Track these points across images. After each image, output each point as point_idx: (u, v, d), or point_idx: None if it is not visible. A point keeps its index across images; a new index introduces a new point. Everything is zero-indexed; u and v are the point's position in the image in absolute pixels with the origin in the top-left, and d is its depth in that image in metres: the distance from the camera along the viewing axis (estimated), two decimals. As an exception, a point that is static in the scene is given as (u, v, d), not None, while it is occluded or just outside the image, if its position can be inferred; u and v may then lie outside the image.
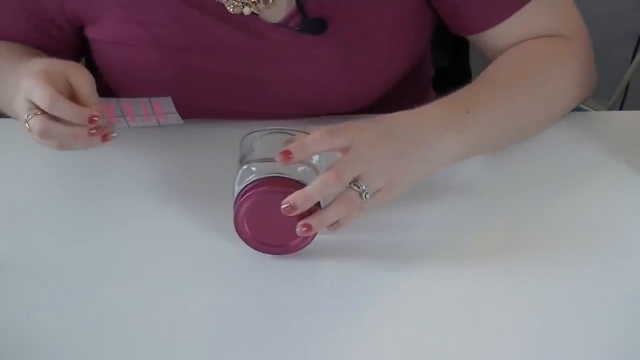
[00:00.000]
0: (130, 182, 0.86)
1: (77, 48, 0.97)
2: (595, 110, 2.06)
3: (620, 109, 1.99)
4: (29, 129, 0.76)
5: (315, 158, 0.76)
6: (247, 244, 0.75)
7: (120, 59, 0.91)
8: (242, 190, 0.73)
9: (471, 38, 0.95)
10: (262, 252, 0.75)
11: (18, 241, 0.79)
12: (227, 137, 0.81)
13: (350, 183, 0.73)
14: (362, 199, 0.73)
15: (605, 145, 0.91)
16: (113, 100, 0.82)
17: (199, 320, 0.71)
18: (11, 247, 0.78)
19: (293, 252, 0.75)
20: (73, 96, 0.77)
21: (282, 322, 0.71)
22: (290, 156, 0.71)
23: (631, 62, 1.93)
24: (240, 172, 0.74)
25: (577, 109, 0.95)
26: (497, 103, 0.85)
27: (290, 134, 0.77)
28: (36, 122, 0.75)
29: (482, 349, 0.69)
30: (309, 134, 0.77)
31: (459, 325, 0.71)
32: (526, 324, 0.71)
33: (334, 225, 0.74)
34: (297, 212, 0.71)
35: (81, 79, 0.78)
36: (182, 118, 0.85)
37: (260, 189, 0.72)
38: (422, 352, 0.69)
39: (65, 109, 0.74)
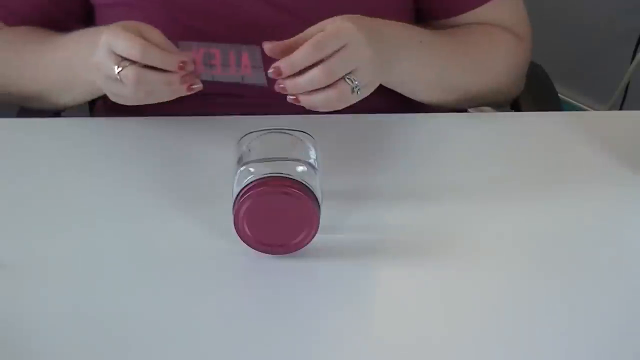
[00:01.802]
0: (130, 182, 0.86)
1: (84, 23, 0.97)
2: (595, 110, 2.07)
3: (620, 109, 1.99)
4: (121, 80, 0.77)
5: (313, 156, 0.76)
6: (247, 244, 0.75)
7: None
8: (241, 190, 0.73)
9: (440, 23, 1.00)
10: (262, 252, 0.75)
11: (18, 241, 0.79)
12: (227, 136, 0.81)
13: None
14: (354, 94, 0.77)
15: (605, 145, 0.91)
16: (203, 45, 0.81)
17: (199, 320, 0.71)
18: (11, 247, 0.78)
19: (293, 252, 0.75)
20: None
21: (282, 322, 0.71)
22: (279, 73, 0.75)
23: (631, 62, 1.93)
24: (238, 172, 0.74)
25: (577, 109, 0.96)
26: (446, 50, 0.94)
27: (288, 134, 0.77)
28: (130, 72, 0.76)
29: (482, 349, 0.69)
30: (308, 134, 0.78)
31: (459, 325, 0.71)
32: (526, 324, 0.71)
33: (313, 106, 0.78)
34: (280, 75, 0.75)
35: (156, 34, 0.79)
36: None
37: (259, 189, 0.72)
38: (423, 352, 0.69)
39: (157, 55, 0.76)
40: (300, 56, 0.75)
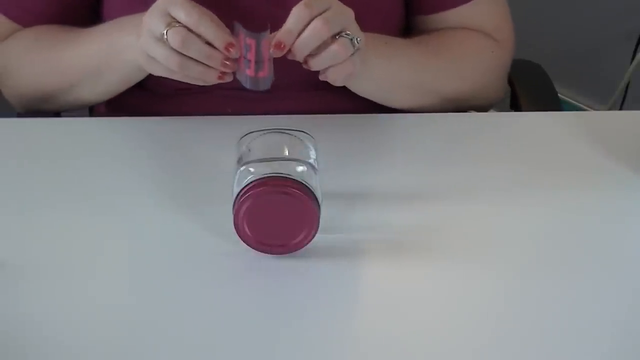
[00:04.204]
0: (130, 182, 0.85)
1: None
2: (595, 110, 2.07)
3: (620, 109, 1.99)
4: (167, 40, 0.78)
5: (313, 156, 0.76)
6: (247, 244, 0.75)
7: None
8: (241, 190, 0.73)
9: (422, 19, 1.01)
10: (262, 252, 0.75)
11: (18, 241, 0.79)
12: (227, 136, 0.81)
13: (336, 35, 0.79)
14: (355, 45, 0.79)
15: (605, 145, 0.91)
16: (242, 31, 0.80)
17: (198, 320, 0.71)
18: (11, 247, 0.78)
19: (293, 252, 0.75)
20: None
21: (282, 322, 0.71)
22: (282, 46, 0.77)
23: (631, 62, 1.93)
24: (238, 172, 0.74)
25: (577, 109, 0.96)
26: (416, 52, 0.95)
27: (288, 134, 0.77)
28: (178, 32, 0.77)
29: (483, 348, 0.69)
30: (308, 134, 0.78)
31: (459, 325, 0.71)
32: (527, 324, 0.71)
33: (324, 74, 0.81)
34: (285, 47, 0.78)
35: (210, 12, 0.79)
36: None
37: (259, 189, 0.72)
38: (423, 352, 0.69)
39: (211, 26, 0.77)
40: (293, 20, 0.78)
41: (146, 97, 0.97)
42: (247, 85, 0.80)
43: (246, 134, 0.78)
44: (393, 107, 0.97)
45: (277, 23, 0.82)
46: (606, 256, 0.78)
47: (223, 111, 0.94)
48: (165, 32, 0.78)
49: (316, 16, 0.78)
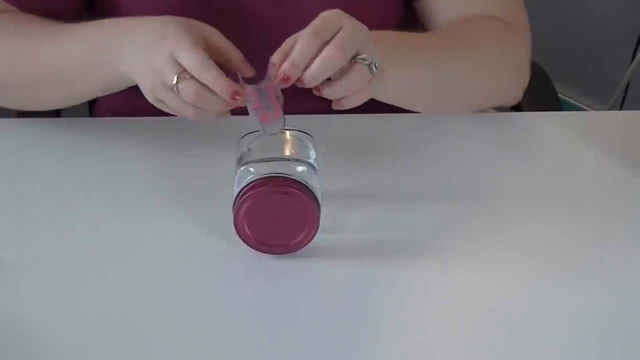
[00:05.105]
0: (130, 182, 0.85)
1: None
2: (595, 110, 2.07)
3: (620, 108, 2.00)
4: (177, 91, 0.73)
5: (313, 156, 0.76)
6: (247, 244, 0.75)
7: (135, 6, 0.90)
8: (241, 190, 0.73)
9: (420, 5, 0.95)
10: (262, 252, 0.75)
11: (18, 241, 0.79)
12: (227, 136, 0.81)
13: (352, 59, 0.72)
14: (372, 70, 0.72)
15: (605, 145, 0.91)
16: (242, 84, 0.75)
17: (198, 320, 0.71)
18: (11, 247, 0.78)
19: (293, 252, 0.75)
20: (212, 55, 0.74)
21: (282, 322, 0.71)
22: (289, 79, 0.70)
23: (631, 62, 1.93)
24: (238, 172, 0.74)
25: (577, 109, 0.95)
26: (431, 41, 0.88)
27: (288, 134, 0.77)
28: (190, 86, 0.72)
29: (483, 348, 0.69)
30: (308, 134, 0.78)
31: (459, 324, 0.71)
32: (527, 324, 0.71)
33: (340, 102, 0.74)
34: (291, 80, 0.70)
35: (215, 34, 0.76)
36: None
37: (259, 189, 0.72)
38: (423, 351, 0.69)
39: (214, 79, 0.71)
40: (299, 50, 0.71)
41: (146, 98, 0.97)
42: (265, 132, 0.75)
43: (246, 134, 0.78)
44: (418, 109, 0.91)
45: (271, 22, 0.80)
46: (606, 256, 0.78)
47: None
48: (175, 83, 0.73)
49: (327, 40, 0.71)
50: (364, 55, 0.72)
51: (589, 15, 2.01)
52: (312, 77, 0.71)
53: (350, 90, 0.73)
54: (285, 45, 0.73)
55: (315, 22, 0.71)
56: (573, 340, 0.70)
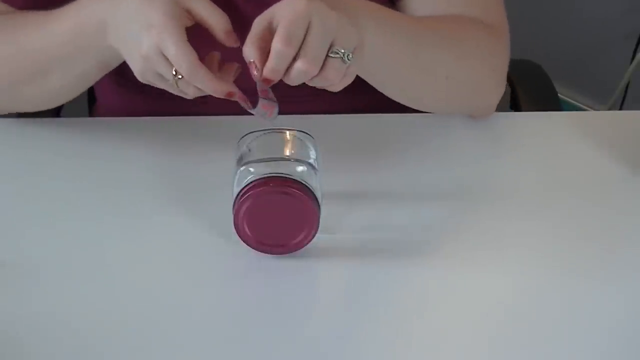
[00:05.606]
0: (130, 182, 0.85)
1: None
2: (595, 110, 2.07)
3: (620, 108, 2.00)
4: (177, 86, 0.74)
5: (313, 156, 0.76)
6: (247, 244, 0.75)
7: None
8: (241, 190, 0.73)
9: (402, 4, 0.94)
10: (262, 252, 0.75)
11: (18, 241, 0.79)
12: (227, 136, 0.81)
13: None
14: (346, 62, 0.73)
15: (605, 145, 0.91)
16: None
17: (198, 320, 0.71)
18: (11, 246, 0.78)
19: (293, 252, 0.75)
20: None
21: (282, 322, 0.71)
22: (271, 82, 0.71)
23: (631, 62, 1.94)
24: (238, 172, 0.74)
25: (577, 109, 0.95)
26: (413, 23, 0.87)
27: (288, 133, 0.77)
28: (189, 88, 0.74)
29: (483, 348, 0.69)
30: (308, 134, 0.78)
31: (459, 324, 0.71)
32: (527, 324, 0.71)
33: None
34: (275, 81, 0.72)
35: (205, 9, 0.76)
36: None
37: (259, 189, 0.72)
38: (423, 351, 0.69)
39: (205, 80, 0.72)
40: (276, 60, 0.71)
41: (145, 98, 0.97)
42: (262, 118, 0.77)
43: (246, 134, 0.78)
44: (394, 90, 0.90)
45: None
46: (606, 256, 0.78)
47: (223, 111, 0.94)
48: (174, 79, 0.74)
49: (300, 44, 0.71)
50: (336, 48, 0.72)
51: (589, 15, 2.01)
52: (291, 81, 0.72)
53: (328, 83, 0.74)
54: (257, 36, 0.73)
55: (283, 30, 0.71)
56: (573, 340, 0.70)
